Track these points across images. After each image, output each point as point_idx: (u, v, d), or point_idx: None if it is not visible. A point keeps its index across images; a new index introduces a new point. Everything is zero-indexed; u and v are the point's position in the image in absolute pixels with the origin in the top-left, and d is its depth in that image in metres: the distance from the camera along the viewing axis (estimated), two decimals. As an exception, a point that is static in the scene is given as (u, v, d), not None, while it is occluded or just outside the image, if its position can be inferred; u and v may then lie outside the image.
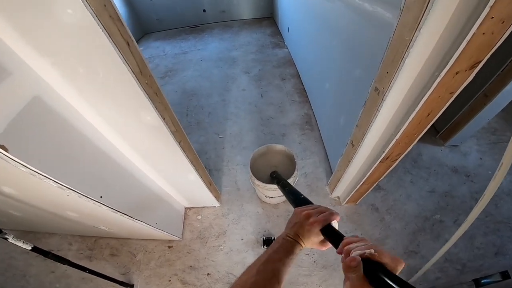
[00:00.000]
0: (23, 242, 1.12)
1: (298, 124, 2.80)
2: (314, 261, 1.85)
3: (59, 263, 1.77)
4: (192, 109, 3.21)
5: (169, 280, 1.85)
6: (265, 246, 1.87)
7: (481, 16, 0.68)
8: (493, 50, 0.78)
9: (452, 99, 0.97)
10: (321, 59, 2.37)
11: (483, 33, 0.72)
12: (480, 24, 0.70)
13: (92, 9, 0.74)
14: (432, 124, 1.14)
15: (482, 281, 1.44)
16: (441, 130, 2.44)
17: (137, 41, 5.22)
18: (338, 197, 2.12)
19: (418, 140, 1.23)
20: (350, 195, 1.87)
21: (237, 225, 2.05)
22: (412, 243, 1.89)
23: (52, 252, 1.30)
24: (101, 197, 1.09)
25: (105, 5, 0.78)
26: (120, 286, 1.75)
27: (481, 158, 2.34)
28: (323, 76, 2.35)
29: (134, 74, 0.93)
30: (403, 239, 1.91)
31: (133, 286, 1.83)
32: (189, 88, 3.58)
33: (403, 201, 2.10)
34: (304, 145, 2.57)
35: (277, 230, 2.00)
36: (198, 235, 2.03)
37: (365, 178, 1.55)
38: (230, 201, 2.21)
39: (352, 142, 1.47)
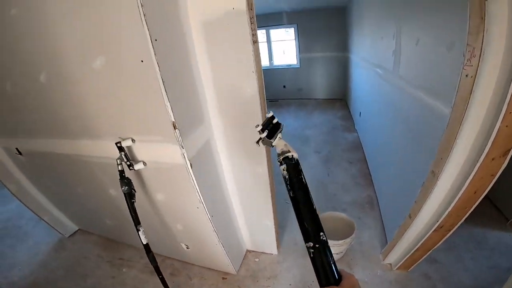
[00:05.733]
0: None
1: (359, 203, 3.12)
2: None
3: (124, 270, 2.21)
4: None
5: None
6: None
7: (502, 112, 1.11)
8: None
9: (494, 180, 1.33)
10: (389, 146, 2.80)
11: (506, 126, 1.14)
12: (503, 119, 1.12)
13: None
14: (502, 212, 1.47)
15: None
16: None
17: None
18: (390, 264, 2.31)
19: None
20: (403, 261, 2.07)
21: (289, 273, 2.34)
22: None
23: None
24: (212, 216, 1.67)
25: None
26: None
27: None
28: (389, 161, 2.75)
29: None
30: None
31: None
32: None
33: (460, 274, 2.16)
34: (363, 220, 2.85)
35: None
36: (252, 273, 2.36)
37: (419, 244, 1.82)
38: (287, 252, 2.54)
39: (410, 215, 1.82)
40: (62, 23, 1.31)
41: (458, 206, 1.49)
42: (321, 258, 0.74)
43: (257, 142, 1.02)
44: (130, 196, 1.59)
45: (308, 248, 0.76)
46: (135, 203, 1.63)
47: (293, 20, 6.51)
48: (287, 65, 7.18)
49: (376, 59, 3.46)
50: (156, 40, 1.15)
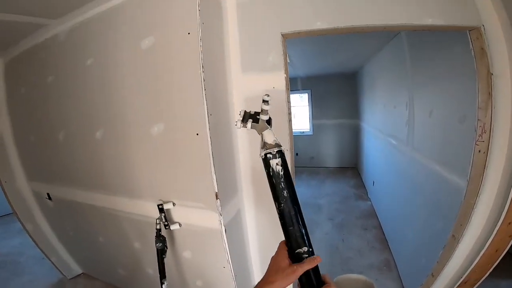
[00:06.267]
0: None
1: (376, 266, 3.11)
2: None
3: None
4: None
5: None
6: None
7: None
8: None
9: None
10: (406, 214, 2.88)
11: None
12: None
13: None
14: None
15: None
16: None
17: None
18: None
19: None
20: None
21: None
22: None
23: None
24: (235, 275, 1.72)
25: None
26: None
27: None
28: (406, 227, 2.82)
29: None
30: None
31: None
32: (275, 228, 4.33)
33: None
34: (381, 281, 2.83)
35: None
36: None
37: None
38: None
39: (432, 273, 1.86)
40: (130, 86, 1.56)
41: (481, 263, 1.54)
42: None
43: (243, 120, 0.81)
44: (162, 252, 1.71)
45: (301, 253, 0.74)
46: (164, 259, 1.74)
47: (307, 86, 6.96)
48: (300, 132, 7.45)
49: (389, 128, 3.67)
50: (211, 115, 1.35)
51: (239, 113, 0.83)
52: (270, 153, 0.78)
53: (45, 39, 1.92)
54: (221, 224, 1.53)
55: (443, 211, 1.94)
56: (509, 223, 1.36)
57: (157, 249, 1.69)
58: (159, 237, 1.69)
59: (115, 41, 1.59)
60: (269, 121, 0.82)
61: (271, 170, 0.78)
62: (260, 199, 1.86)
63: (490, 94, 1.31)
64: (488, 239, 1.43)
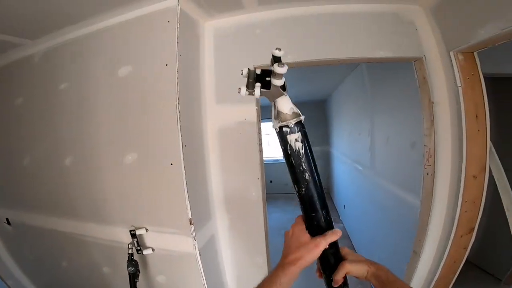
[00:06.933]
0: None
1: (351, 285, 3.15)
2: None
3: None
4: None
5: None
6: None
7: (459, 201, 1.42)
8: (478, 221, 1.46)
9: (468, 252, 1.57)
10: (376, 234, 3.03)
11: (465, 211, 1.43)
12: (461, 207, 1.43)
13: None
14: (493, 275, 1.94)
15: None
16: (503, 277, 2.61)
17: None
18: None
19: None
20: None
21: None
22: None
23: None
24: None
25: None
26: None
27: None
28: (377, 247, 2.96)
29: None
30: None
31: None
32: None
33: None
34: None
35: None
36: None
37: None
38: None
39: None
40: (103, 113, 1.58)
41: (443, 275, 1.66)
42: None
43: (249, 86, 0.60)
44: (134, 276, 1.70)
45: None
46: (137, 283, 1.73)
47: (281, 114, 7.12)
48: (274, 160, 7.52)
49: (355, 154, 3.87)
50: (185, 146, 1.38)
51: (241, 72, 0.61)
52: (287, 126, 0.62)
53: (18, 59, 1.89)
54: (195, 248, 1.54)
55: (407, 229, 2.07)
56: (461, 236, 1.49)
57: (129, 273, 1.69)
58: (131, 261, 1.69)
59: (92, 67, 1.59)
60: (283, 87, 0.62)
61: (288, 147, 0.63)
62: (233, 224, 1.91)
63: (432, 122, 1.47)
64: (445, 252, 1.56)
